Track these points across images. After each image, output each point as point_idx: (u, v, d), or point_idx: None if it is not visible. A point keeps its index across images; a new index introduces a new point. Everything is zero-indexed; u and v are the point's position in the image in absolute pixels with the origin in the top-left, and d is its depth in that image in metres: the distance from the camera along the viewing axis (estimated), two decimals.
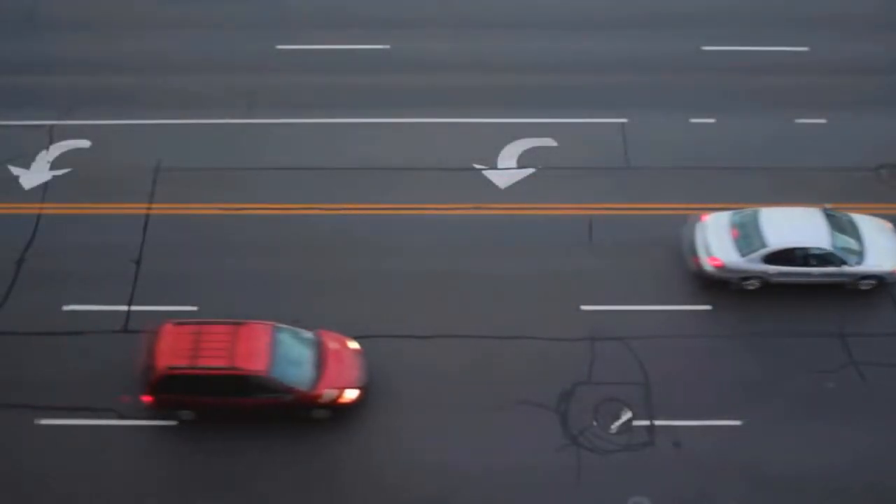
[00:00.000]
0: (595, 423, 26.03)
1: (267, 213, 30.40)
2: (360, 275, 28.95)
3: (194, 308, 28.11)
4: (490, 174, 31.34)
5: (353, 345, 26.73)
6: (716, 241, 28.12)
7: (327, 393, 25.48)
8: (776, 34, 35.31)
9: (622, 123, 32.61)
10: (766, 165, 31.44)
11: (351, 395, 25.73)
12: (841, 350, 27.32)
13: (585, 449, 25.64)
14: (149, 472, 25.32)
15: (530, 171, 31.39)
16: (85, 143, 32.13)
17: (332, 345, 26.38)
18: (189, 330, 25.62)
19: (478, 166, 31.54)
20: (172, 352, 25.19)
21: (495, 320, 27.84)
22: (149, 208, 30.46)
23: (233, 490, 24.97)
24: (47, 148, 32.02)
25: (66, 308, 28.24)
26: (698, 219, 28.90)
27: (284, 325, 26.28)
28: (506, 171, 31.41)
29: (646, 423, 26.00)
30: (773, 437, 25.78)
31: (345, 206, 30.57)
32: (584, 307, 28.15)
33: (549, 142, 32.14)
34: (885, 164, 31.51)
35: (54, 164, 31.57)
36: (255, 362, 25.06)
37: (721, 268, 27.85)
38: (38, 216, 30.29)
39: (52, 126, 32.57)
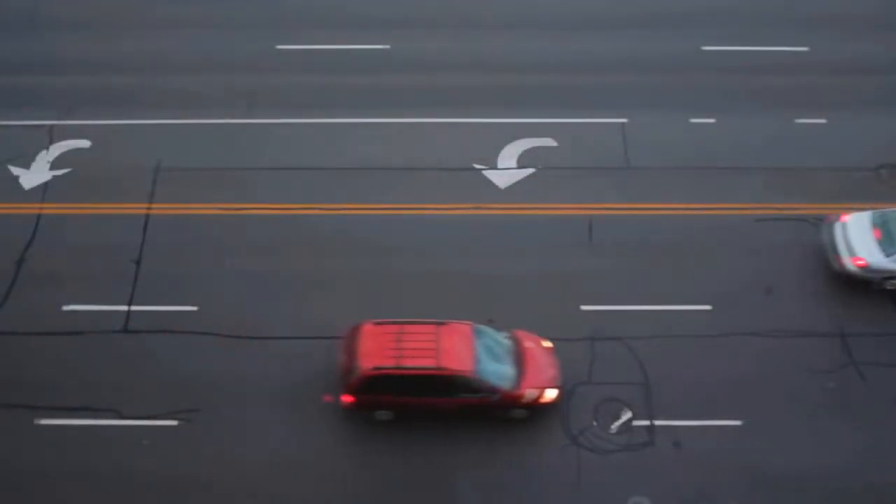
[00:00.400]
0: (595, 423, 26.02)
1: (267, 213, 30.39)
2: (360, 275, 28.94)
3: (194, 308, 28.12)
4: (490, 174, 31.34)
5: (547, 344, 26.69)
6: (859, 241, 28.14)
7: (529, 393, 25.44)
8: (776, 34, 35.32)
9: (622, 123, 32.61)
10: (766, 165, 31.44)
11: (551, 394, 25.67)
12: (841, 350, 27.30)
13: (585, 449, 25.62)
14: (153, 471, 25.35)
15: (530, 171, 31.39)
16: (85, 143, 32.13)
17: (528, 344, 26.36)
18: (391, 330, 25.53)
19: (478, 166, 31.54)
20: (376, 352, 25.09)
21: (495, 320, 27.82)
22: (149, 208, 30.45)
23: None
24: (47, 148, 32.02)
25: (66, 308, 28.23)
26: (838, 218, 28.91)
27: (482, 325, 26.30)
28: (506, 171, 31.41)
29: (646, 423, 25.99)
30: (773, 437, 25.77)
31: (345, 206, 30.56)
32: (584, 307, 28.14)
33: (549, 142, 32.14)
34: (885, 164, 31.50)
35: (54, 164, 31.57)
36: (461, 362, 24.98)
37: (865, 268, 27.89)
38: (38, 216, 30.29)
39: (52, 126, 32.57)
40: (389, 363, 24.85)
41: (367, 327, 25.80)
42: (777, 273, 28.79)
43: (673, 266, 29.04)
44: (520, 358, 25.93)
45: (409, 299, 28.33)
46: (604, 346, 27.35)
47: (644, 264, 29.07)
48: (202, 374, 26.86)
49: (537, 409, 25.82)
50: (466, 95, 33.45)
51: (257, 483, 25.07)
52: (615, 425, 25.98)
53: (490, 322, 26.97)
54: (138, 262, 29.20)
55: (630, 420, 26.01)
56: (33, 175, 31.31)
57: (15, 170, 31.45)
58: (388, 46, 35.02)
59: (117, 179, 31.11)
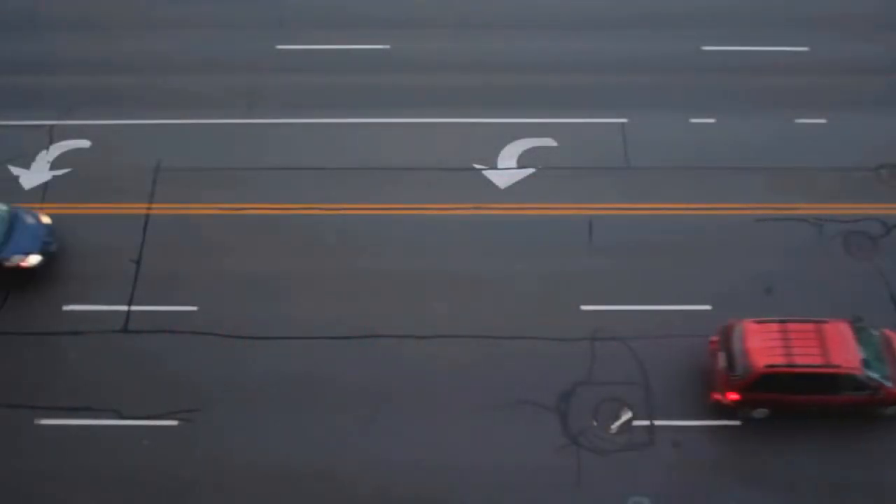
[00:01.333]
0: (595, 423, 26.03)
1: (267, 213, 30.40)
2: (360, 275, 28.95)
3: (194, 308, 28.13)
4: (490, 174, 31.35)
5: None
6: None
7: None
8: (776, 34, 35.32)
9: (622, 123, 32.61)
10: (766, 165, 31.44)
11: None
12: None
13: (585, 449, 25.63)
14: (153, 471, 25.37)
15: (530, 171, 31.40)
16: (85, 143, 32.15)
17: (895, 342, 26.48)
18: (776, 328, 25.75)
19: (478, 166, 31.54)
20: (767, 350, 25.29)
21: (495, 320, 27.84)
22: (149, 208, 30.47)
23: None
24: (47, 148, 32.03)
25: (66, 308, 28.24)
26: None
27: (858, 323, 26.34)
28: (506, 171, 31.41)
29: (646, 423, 25.99)
30: (772, 436, 25.78)
31: (345, 206, 30.57)
32: (584, 307, 28.15)
33: (549, 142, 32.14)
34: (885, 164, 31.51)
35: (54, 164, 31.58)
36: (849, 360, 25.19)
37: None
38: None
39: (52, 126, 32.59)
40: (781, 361, 25.08)
41: (750, 326, 25.98)
42: (777, 273, 28.79)
43: (673, 266, 29.04)
44: (894, 355, 26.04)
45: (409, 299, 28.34)
46: (604, 346, 27.35)
47: (644, 264, 29.08)
48: (202, 374, 26.88)
49: None
50: (466, 95, 33.46)
51: (257, 483, 25.09)
52: (615, 425, 25.98)
53: (860, 320, 26.85)
54: (138, 262, 29.21)
55: (630, 420, 26.01)
56: (33, 175, 31.33)
57: (15, 170, 31.46)
58: (388, 46, 35.03)
59: (117, 179, 31.12)
